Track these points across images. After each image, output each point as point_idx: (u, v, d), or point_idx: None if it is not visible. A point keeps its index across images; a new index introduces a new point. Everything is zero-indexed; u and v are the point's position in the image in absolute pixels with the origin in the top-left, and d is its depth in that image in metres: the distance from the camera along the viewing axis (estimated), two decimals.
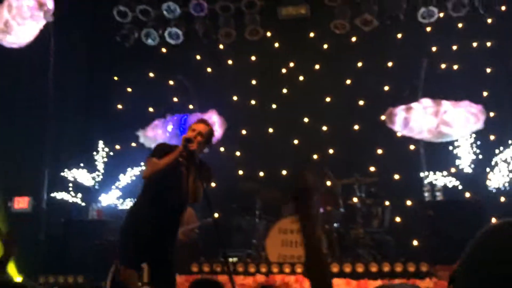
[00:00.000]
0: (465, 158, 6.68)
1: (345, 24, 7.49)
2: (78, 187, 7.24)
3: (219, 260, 5.38)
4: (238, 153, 7.73)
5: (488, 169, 6.55)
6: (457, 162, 6.72)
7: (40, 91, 6.97)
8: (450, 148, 6.80)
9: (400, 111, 6.97)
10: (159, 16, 7.85)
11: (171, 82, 8.13)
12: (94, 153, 7.54)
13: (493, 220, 5.23)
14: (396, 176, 7.05)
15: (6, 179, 6.50)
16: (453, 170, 6.67)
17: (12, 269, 6.08)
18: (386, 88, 7.46)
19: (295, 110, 7.64)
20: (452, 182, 6.57)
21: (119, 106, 8.07)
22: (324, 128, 7.55)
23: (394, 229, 6.36)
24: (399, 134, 7.09)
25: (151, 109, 8.00)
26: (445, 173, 6.63)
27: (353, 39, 7.69)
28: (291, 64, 7.93)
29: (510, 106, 6.97)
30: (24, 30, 6.31)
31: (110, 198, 7.38)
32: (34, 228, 6.70)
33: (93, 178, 7.39)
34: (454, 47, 7.28)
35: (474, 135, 6.72)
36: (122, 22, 7.89)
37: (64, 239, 6.76)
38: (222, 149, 7.59)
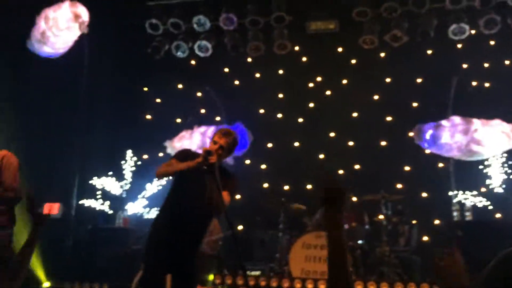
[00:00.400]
0: (496, 177, 6.55)
1: (374, 40, 7.46)
2: (106, 195, 7.37)
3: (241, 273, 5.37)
4: (263, 166, 7.74)
5: None
6: (488, 181, 6.59)
7: (73, 100, 7.18)
8: (481, 167, 6.67)
9: (428, 128, 6.88)
10: (189, 29, 8.00)
11: (199, 94, 8.24)
12: (123, 162, 7.69)
13: None
14: (424, 194, 6.93)
15: (38, 185, 6.66)
16: (483, 189, 6.53)
17: (40, 274, 6.20)
18: (415, 104, 7.38)
19: (321, 124, 7.62)
20: (482, 202, 6.42)
21: (148, 117, 8.21)
22: (351, 143, 7.50)
23: (421, 249, 6.22)
24: (427, 151, 6.98)
25: (178, 120, 8.12)
26: (475, 192, 6.49)
27: (382, 54, 7.67)
28: (318, 79, 7.94)
29: None
30: (59, 41, 6.50)
31: (136, 207, 7.48)
32: (62, 233, 6.84)
33: (121, 187, 7.52)
34: (486, 65, 7.17)
35: (505, 155, 6.57)
36: (153, 35, 8.08)
37: (90, 245, 6.87)
38: (247, 161, 7.62)
